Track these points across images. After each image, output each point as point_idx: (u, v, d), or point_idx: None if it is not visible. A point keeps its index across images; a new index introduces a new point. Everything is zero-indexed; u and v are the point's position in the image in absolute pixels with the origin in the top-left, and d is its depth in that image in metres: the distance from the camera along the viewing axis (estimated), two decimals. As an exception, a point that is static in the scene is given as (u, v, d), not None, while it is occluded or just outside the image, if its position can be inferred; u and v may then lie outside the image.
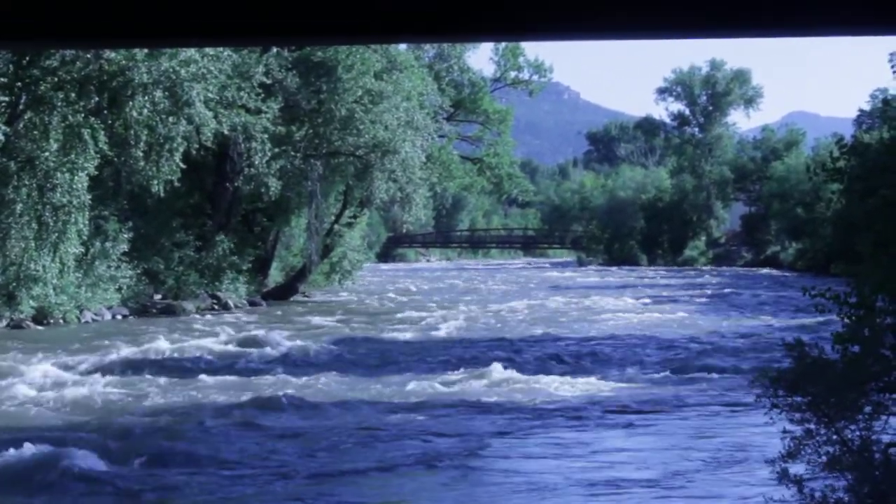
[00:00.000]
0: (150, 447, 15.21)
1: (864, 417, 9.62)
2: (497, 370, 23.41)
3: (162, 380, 22.14)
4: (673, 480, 13.49)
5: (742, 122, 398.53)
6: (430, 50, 59.38)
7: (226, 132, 37.98)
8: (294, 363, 25.45)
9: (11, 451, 14.53)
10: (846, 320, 10.23)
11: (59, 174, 31.99)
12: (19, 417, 17.85)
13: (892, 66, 13.33)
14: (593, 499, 12.78)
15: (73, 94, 32.55)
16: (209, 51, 34.26)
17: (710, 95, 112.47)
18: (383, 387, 21.51)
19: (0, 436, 15.78)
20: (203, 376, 22.77)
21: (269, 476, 13.95)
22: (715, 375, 23.22)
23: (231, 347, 28.38)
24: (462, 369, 23.87)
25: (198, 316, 39.27)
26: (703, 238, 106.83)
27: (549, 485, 13.40)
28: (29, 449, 14.65)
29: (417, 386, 21.44)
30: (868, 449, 9.44)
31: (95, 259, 36.80)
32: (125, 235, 38.16)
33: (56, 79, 32.50)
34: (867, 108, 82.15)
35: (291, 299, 48.92)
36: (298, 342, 29.62)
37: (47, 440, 15.23)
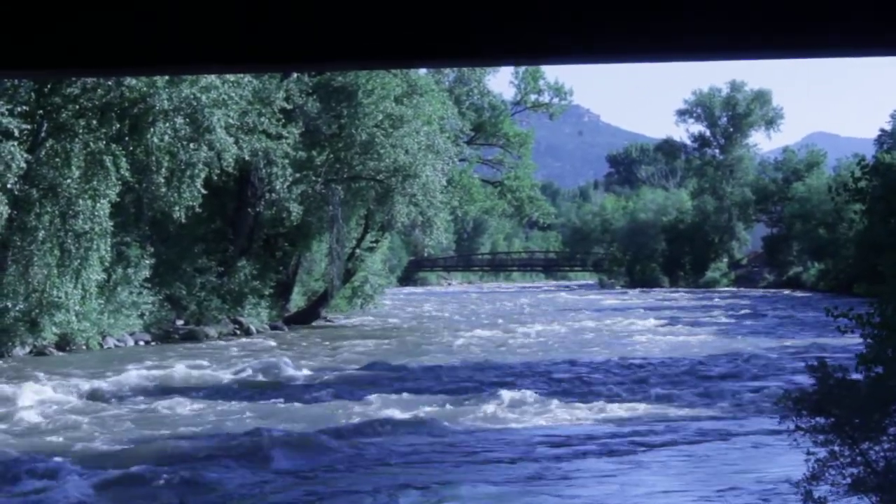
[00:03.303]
0: (169, 474, 15.23)
1: (889, 439, 9.58)
2: (518, 395, 23.37)
3: (184, 406, 22.15)
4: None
5: (763, 143, 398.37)
6: (450, 74, 59.46)
7: (247, 157, 38.05)
8: (315, 387, 25.43)
9: (25, 476, 14.62)
10: (870, 341, 10.18)
11: (80, 201, 32.08)
12: (36, 442, 17.87)
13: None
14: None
15: (94, 122, 32.67)
16: (230, 77, 34.34)
17: (730, 117, 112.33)
18: (404, 411, 21.44)
19: (20, 460, 15.83)
20: (226, 401, 22.79)
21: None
22: (740, 398, 23.13)
23: (254, 373, 28.34)
24: (484, 393, 23.82)
25: (220, 341, 39.32)
26: (725, 260, 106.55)
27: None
28: (41, 474, 14.75)
29: (438, 410, 21.36)
30: (893, 470, 9.40)
31: (118, 285, 36.91)
32: (147, 261, 38.28)
33: (77, 106, 32.64)
34: (888, 128, 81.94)
35: (313, 324, 48.90)
36: (320, 367, 29.64)
37: (64, 465, 15.29)
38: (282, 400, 23.12)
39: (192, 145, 34.32)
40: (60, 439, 18.20)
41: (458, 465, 16.33)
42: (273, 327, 44.92)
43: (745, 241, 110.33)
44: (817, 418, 9.67)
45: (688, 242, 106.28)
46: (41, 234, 31.76)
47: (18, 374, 26.96)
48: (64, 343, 33.68)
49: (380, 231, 52.50)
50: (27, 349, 32.62)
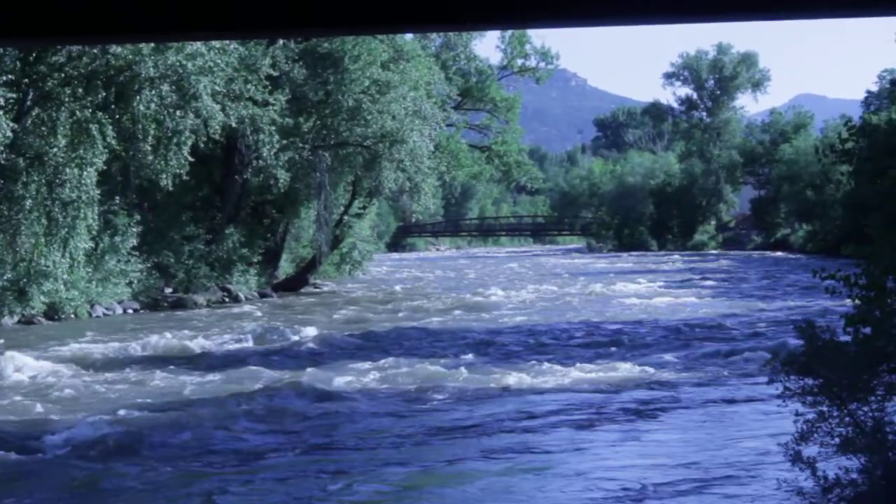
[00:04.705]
0: (160, 440, 15.25)
1: (877, 399, 9.61)
2: (501, 362, 23.42)
3: (173, 373, 22.14)
4: (692, 476, 13.27)
5: (750, 105, 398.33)
6: (436, 39, 59.29)
7: (233, 125, 37.92)
8: (303, 354, 25.42)
9: (17, 444, 14.63)
10: (857, 302, 10.20)
11: (67, 170, 32.01)
12: (25, 412, 17.86)
13: (900, 47, 13.30)
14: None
15: (80, 90, 32.55)
16: (215, 44, 34.21)
17: (717, 79, 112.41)
18: (395, 376, 21.44)
19: (8, 430, 15.84)
20: (214, 368, 22.77)
21: (286, 466, 13.97)
22: (729, 360, 23.10)
23: (243, 339, 28.33)
24: (467, 360, 23.74)
25: (209, 309, 39.34)
26: (713, 222, 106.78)
27: (563, 489, 13.22)
28: (33, 442, 14.77)
29: (420, 379, 21.22)
30: (881, 430, 9.43)
31: (105, 254, 36.85)
32: (134, 230, 38.19)
33: (63, 75, 32.50)
34: (875, 89, 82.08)
35: (302, 291, 48.94)
36: (308, 333, 29.59)
37: (52, 435, 15.30)
38: (268, 365, 23.11)
39: (178, 113, 34.22)
40: (50, 408, 18.19)
41: (433, 438, 16.13)
42: (261, 294, 44.95)
43: (733, 204, 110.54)
44: (806, 379, 9.69)
45: (675, 205, 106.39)
46: (28, 203, 31.69)
47: (7, 343, 26.91)
48: (52, 312, 33.67)
49: (367, 197, 52.48)
50: (15, 318, 32.62)
